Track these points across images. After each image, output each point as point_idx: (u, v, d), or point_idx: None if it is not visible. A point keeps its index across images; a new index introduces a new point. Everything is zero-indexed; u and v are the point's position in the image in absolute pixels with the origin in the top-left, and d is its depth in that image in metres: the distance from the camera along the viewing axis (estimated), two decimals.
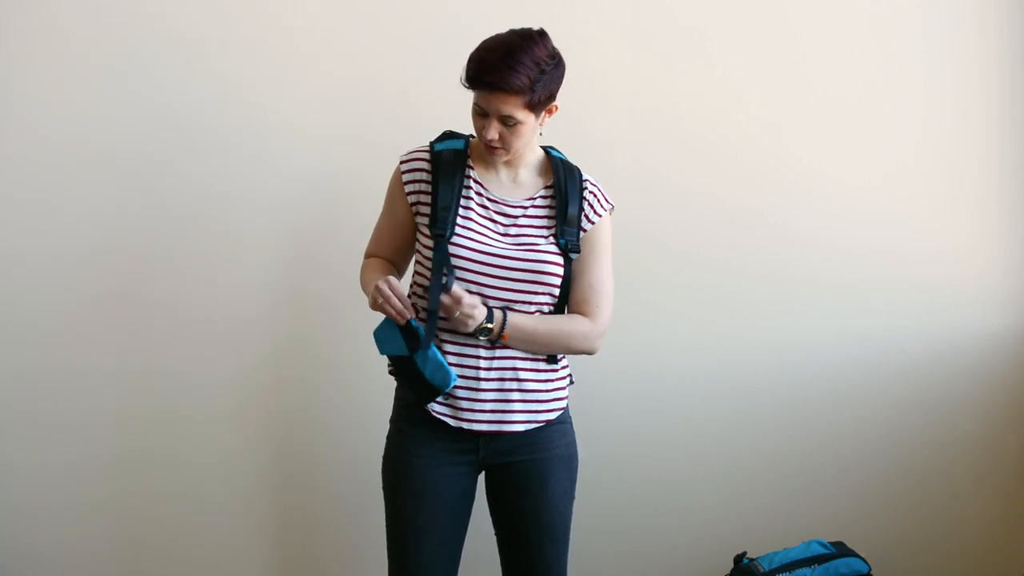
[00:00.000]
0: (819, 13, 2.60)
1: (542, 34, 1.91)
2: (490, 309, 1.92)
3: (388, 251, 2.09)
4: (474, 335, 1.92)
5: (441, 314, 1.89)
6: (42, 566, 2.57)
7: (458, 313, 1.88)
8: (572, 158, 2.11)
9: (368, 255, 2.12)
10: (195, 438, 2.57)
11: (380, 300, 1.88)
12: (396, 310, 1.87)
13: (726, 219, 2.60)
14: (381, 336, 1.93)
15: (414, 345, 1.88)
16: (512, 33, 1.90)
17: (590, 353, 2.05)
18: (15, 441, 2.54)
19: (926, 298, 2.63)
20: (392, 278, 1.90)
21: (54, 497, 2.56)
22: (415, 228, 2.03)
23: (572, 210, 2.00)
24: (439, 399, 1.96)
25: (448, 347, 1.95)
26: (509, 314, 1.93)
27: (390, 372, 2.07)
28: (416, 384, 1.92)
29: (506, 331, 1.92)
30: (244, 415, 2.58)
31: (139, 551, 2.59)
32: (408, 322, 1.88)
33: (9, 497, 2.55)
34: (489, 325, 1.91)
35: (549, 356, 2.02)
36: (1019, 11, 2.60)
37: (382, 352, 1.94)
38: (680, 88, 2.59)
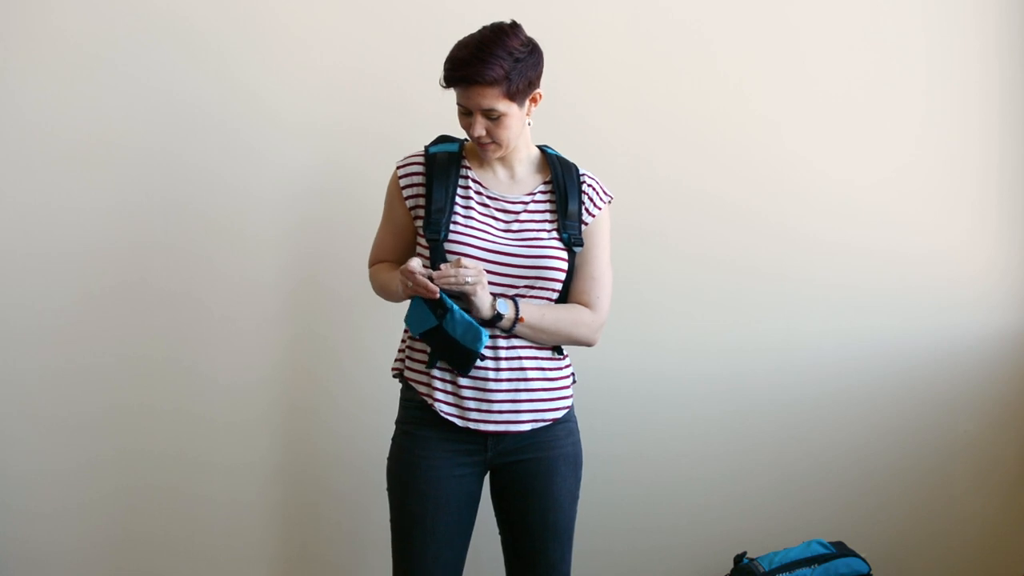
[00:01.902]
0: (819, 12, 2.60)
1: (514, 25, 1.93)
2: (496, 296, 1.92)
3: (393, 257, 2.10)
4: (490, 323, 1.91)
5: (444, 282, 1.87)
6: (47, 566, 2.57)
7: (463, 279, 1.85)
8: (573, 156, 2.11)
9: (373, 263, 2.13)
10: (199, 436, 2.57)
11: (409, 282, 1.87)
12: (422, 285, 1.86)
13: (726, 219, 2.60)
14: (411, 318, 1.92)
15: (441, 313, 1.89)
16: (484, 28, 1.92)
17: (590, 344, 2.05)
18: (18, 441, 2.54)
19: (926, 298, 2.64)
20: (416, 259, 1.89)
21: (58, 497, 2.55)
22: (416, 231, 2.04)
23: (572, 206, 2.02)
24: (450, 400, 1.96)
25: None
26: (519, 300, 1.95)
27: (394, 375, 2.07)
28: (452, 354, 1.91)
29: (522, 314, 1.93)
30: (249, 413, 2.58)
31: (143, 549, 2.59)
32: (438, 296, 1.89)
33: (11, 497, 2.55)
34: (503, 309, 1.91)
35: (553, 351, 2.02)
36: (1019, 11, 2.60)
37: (415, 333, 1.93)
38: (680, 87, 2.59)
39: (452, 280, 1.86)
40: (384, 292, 2.09)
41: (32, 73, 2.47)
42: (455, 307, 1.88)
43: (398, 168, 2.04)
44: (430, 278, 1.87)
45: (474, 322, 1.89)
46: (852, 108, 2.61)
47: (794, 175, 2.62)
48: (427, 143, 2.07)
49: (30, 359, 2.52)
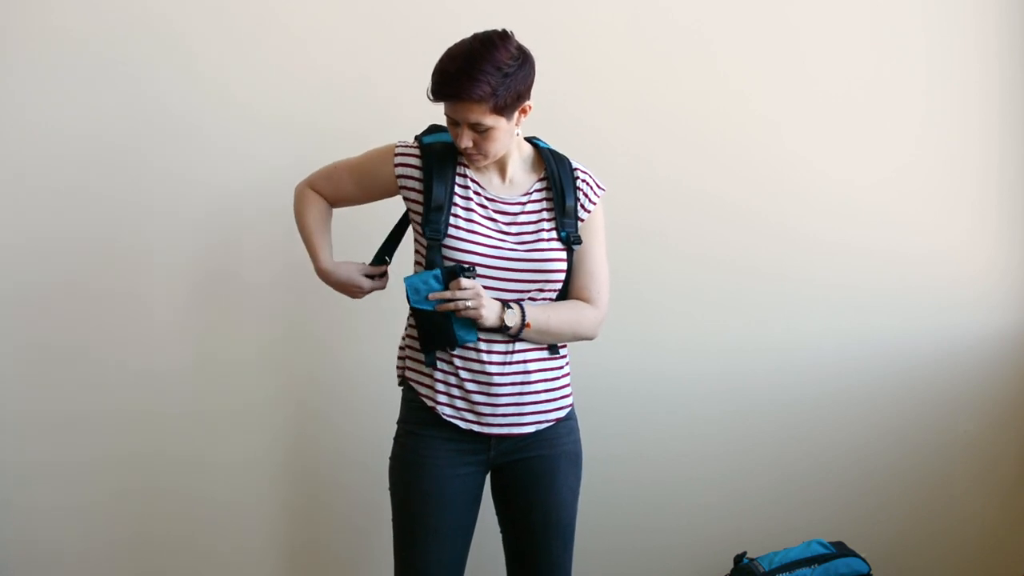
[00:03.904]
0: (819, 13, 2.60)
1: (504, 36, 1.88)
2: (503, 302, 1.92)
3: (340, 198, 2.10)
4: (499, 329, 1.92)
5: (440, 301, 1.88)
6: (46, 566, 2.57)
7: (463, 305, 1.86)
8: (573, 157, 2.10)
9: (315, 190, 2.11)
10: (204, 437, 2.57)
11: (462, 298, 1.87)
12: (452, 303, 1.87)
13: (727, 219, 2.60)
14: (418, 286, 1.89)
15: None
16: (473, 39, 1.88)
17: (591, 338, 2.05)
18: (20, 440, 2.53)
19: (926, 298, 2.64)
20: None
21: (60, 496, 2.55)
22: (380, 199, 2.07)
23: (569, 202, 2.01)
24: (454, 404, 1.95)
25: (462, 350, 1.95)
26: (524, 305, 1.94)
27: (400, 383, 2.07)
28: (440, 334, 1.90)
29: (528, 319, 1.92)
30: (251, 412, 2.58)
31: (147, 549, 2.59)
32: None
33: (11, 496, 2.55)
34: (510, 319, 1.90)
35: (551, 349, 2.02)
36: (1019, 11, 2.60)
37: (413, 303, 1.89)
38: (680, 87, 2.59)
39: (451, 307, 1.87)
40: (297, 215, 2.11)
41: (22, 77, 2.46)
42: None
43: (396, 153, 2.00)
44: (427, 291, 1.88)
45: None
46: (852, 108, 2.61)
47: (794, 175, 2.62)
48: (418, 133, 2.04)
49: (32, 359, 2.52)
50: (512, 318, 1.91)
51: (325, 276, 2.10)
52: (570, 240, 1.99)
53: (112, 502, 2.57)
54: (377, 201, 2.11)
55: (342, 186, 2.08)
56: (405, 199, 2.01)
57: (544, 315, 1.96)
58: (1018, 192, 2.64)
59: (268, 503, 2.61)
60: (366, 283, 2.09)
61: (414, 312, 1.91)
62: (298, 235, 2.13)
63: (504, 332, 1.93)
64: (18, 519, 2.56)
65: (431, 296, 1.88)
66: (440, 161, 1.97)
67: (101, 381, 2.54)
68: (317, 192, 2.11)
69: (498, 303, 1.91)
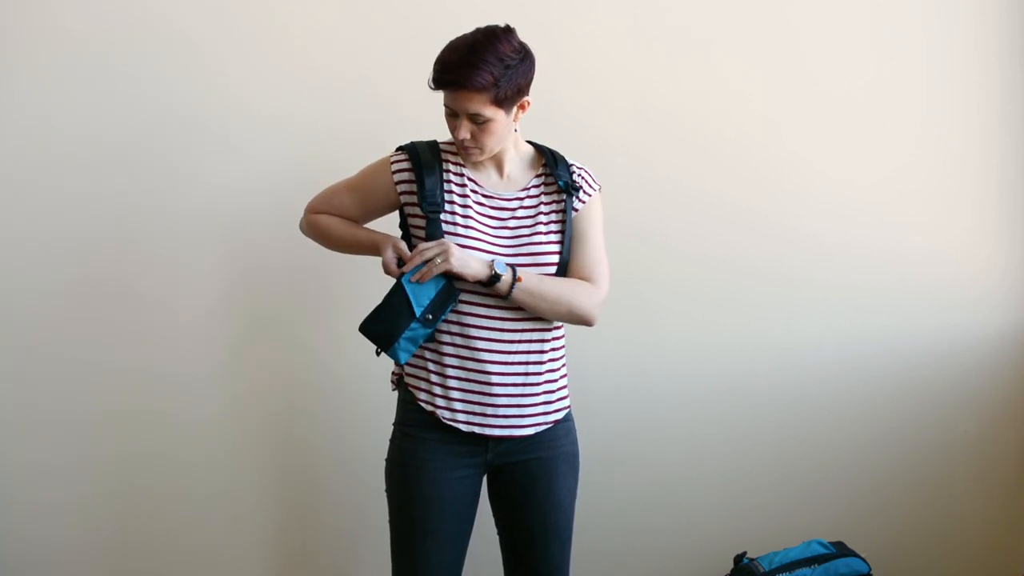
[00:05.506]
0: (820, 13, 2.60)
1: (507, 30, 1.91)
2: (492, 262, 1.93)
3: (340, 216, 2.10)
4: (489, 282, 1.91)
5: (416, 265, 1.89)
6: (42, 564, 2.57)
7: (429, 256, 1.88)
8: (574, 156, 2.11)
9: (318, 211, 2.10)
10: (196, 438, 2.57)
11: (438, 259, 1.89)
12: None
13: (727, 219, 2.60)
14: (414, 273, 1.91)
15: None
16: (476, 32, 1.90)
17: (590, 320, 2.02)
18: (14, 438, 2.54)
19: (926, 298, 2.64)
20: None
21: (54, 494, 2.56)
22: (380, 215, 2.07)
23: (565, 191, 2.02)
24: (453, 406, 1.95)
25: (461, 349, 1.95)
26: (516, 267, 1.95)
27: (393, 387, 2.07)
28: (386, 325, 1.90)
29: (519, 274, 1.92)
30: (245, 415, 2.58)
31: (140, 550, 2.59)
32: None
33: (7, 495, 2.55)
34: (500, 268, 1.90)
35: (553, 351, 2.02)
36: (1019, 11, 2.60)
37: (404, 275, 1.90)
38: (680, 87, 2.59)
39: (425, 271, 1.88)
40: (325, 236, 2.09)
41: (25, 77, 2.47)
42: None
43: (392, 162, 2.02)
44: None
45: (420, 335, 1.90)
46: (852, 108, 2.61)
47: (794, 175, 2.62)
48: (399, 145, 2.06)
49: (28, 358, 2.53)
50: (502, 268, 1.91)
51: (384, 242, 2.02)
52: (564, 231, 2.00)
53: (105, 502, 2.57)
54: (377, 219, 2.10)
55: (344, 206, 2.08)
56: (404, 203, 2.01)
57: (538, 279, 1.95)
58: (1018, 192, 2.64)
59: (265, 503, 2.61)
60: (395, 257, 2.00)
61: (393, 288, 1.92)
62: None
63: (494, 284, 1.92)
64: (15, 518, 2.55)
65: (404, 269, 1.89)
66: (424, 152, 2.00)
67: (97, 381, 2.54)
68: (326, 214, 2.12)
69: (488, 257, 1.92)
